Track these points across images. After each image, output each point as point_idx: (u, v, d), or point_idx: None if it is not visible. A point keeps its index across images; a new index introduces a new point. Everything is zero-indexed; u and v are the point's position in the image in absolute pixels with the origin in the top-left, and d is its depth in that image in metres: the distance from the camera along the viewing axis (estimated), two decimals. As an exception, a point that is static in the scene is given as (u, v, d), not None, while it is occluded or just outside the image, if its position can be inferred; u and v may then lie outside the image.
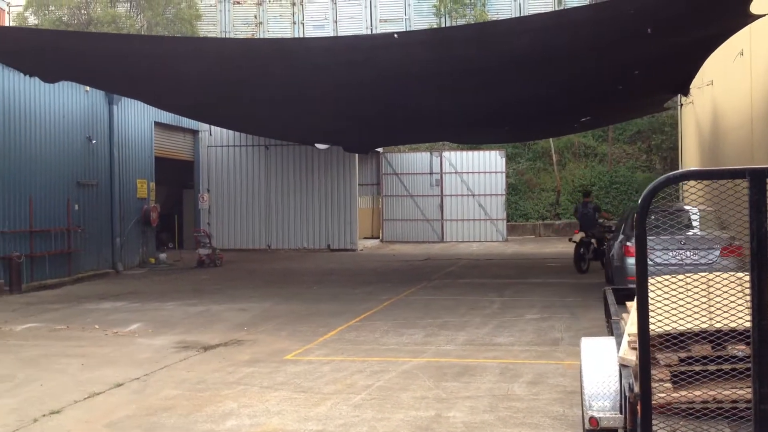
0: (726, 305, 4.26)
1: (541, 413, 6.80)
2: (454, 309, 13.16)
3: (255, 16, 32.31)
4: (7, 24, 30.49)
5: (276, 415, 6.88)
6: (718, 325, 4.21)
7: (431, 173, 31.20)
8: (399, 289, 15.95)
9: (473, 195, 31.03)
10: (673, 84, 16.04)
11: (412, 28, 28.57)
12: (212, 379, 8.28)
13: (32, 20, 30.64)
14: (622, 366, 4.49)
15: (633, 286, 8.81)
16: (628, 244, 13.05)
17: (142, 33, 28.45)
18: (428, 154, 31.53)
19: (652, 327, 4.16)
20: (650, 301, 4.92)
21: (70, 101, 19.03)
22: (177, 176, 28.40)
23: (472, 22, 26.82)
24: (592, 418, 4.85)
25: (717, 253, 12.00)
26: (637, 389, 3.91)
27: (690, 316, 4.21)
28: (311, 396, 7.51)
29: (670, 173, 3.67)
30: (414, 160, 31.66)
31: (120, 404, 7.36)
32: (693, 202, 12.22)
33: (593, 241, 18.00)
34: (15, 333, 11.45)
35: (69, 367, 9.04)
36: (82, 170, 19.44)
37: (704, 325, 4.24)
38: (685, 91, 16.98)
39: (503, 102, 16.64)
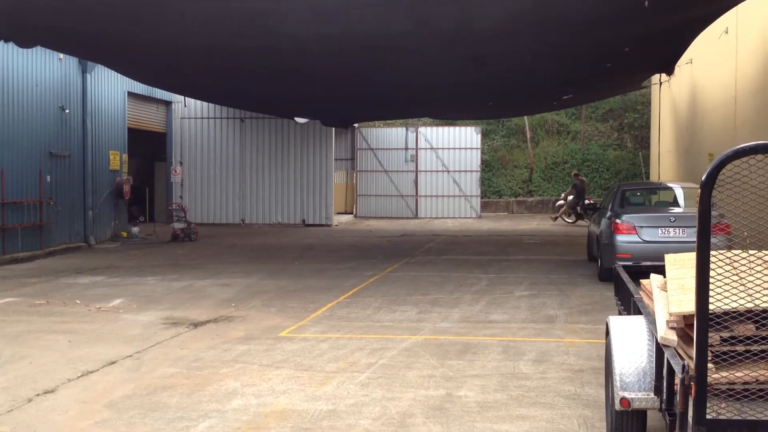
0: (759, 284, 4.15)
1: (552, 392, 6.69)
2: (442, 285, 13.03)
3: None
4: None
5: (282, 394, 6.67)
6: (759, 302, 4.11)
7: (406, 149, 30.96)
8: (382, 266, 15.79)
9: (448, 171, 30.90)
10: (660, 62, 15.96)
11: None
12: (208, 357, 8.04)
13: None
14: (664, 347, 4.36)
15: (628, 263, 8.61)
16: (618, 221, 12.99)
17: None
18: (404, 129, 31.27)
19: (690, 306, 4.07)
20: (683, 279, 4.84)
21: (43, 69, 18.41)
22: (149, 148, 27.83)
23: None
24: (623, 399, 4.73)
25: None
26: (691, 371, 3.79)
27: (728, 294, 4.06)
28: (315, 374, 7.31)
29: (739, 146, 3.45)
30: (389, 135, 31.38)
31: (116, 383, 7.09)
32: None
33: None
34: (-7, 308, 11.06)
35: (56, 344, 8.72)
36: (55, 141, 18.88)
37: (748, 304, 4.12)
38: (670, 70, 16.93)
39: (489, 77, 16.41)
